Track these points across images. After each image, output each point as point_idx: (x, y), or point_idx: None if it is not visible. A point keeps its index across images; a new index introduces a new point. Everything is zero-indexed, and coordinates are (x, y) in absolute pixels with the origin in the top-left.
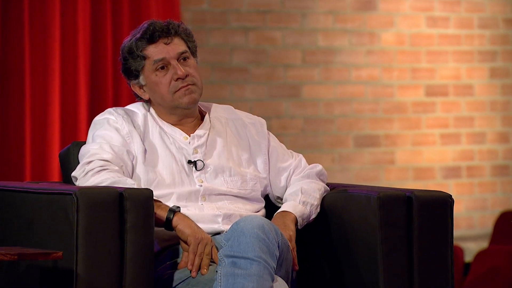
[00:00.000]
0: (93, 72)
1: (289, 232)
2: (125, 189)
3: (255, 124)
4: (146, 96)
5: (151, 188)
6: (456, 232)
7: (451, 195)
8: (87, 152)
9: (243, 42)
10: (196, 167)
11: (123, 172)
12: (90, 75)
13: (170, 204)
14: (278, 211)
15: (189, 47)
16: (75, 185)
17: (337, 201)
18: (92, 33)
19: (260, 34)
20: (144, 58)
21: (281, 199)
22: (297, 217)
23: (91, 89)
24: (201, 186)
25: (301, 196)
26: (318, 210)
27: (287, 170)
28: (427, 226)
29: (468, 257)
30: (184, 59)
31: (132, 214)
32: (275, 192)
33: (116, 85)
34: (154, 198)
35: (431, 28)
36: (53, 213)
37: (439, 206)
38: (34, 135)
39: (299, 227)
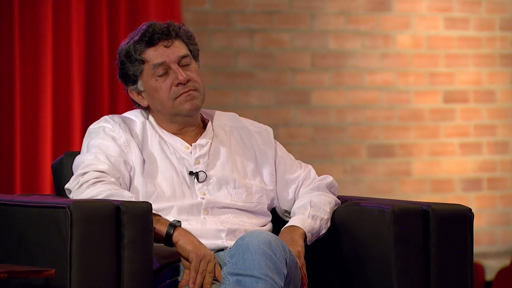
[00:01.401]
0: (88, 77)
1: (298, 248)
2: (122, 202)
3: (261, 132)
4: (144, 103)
5: (150, 201)
6: (477, 249)
7: (471, 209)
8: (81, 162)
9: (248, 44)
10: (198, 179)
11: (120, 184)
12: (85, 80)
13: (170, 218)
14: (285, 225)
15: (190, 51)
16: (68, 198)
17: (349, 215)
18: (87, 35)
19: (266, 36)
20: (143, 62)
21: (289, 213)
22: (306, 232)
23: (86, 95)
24: (204, 198)
25: (311, 209)
26: (329, 224)
27: (295, 182)
28: (445, 242)
29: (489, 275)
30: (186, 63)
31: (130, 229)
32: (282, 206)
33: (112, 91)
34: (153, 211)
35: (449, 30)
36: (46, 227)
37: (458, 220)
38: (25, 144)
39: (308, 243)
